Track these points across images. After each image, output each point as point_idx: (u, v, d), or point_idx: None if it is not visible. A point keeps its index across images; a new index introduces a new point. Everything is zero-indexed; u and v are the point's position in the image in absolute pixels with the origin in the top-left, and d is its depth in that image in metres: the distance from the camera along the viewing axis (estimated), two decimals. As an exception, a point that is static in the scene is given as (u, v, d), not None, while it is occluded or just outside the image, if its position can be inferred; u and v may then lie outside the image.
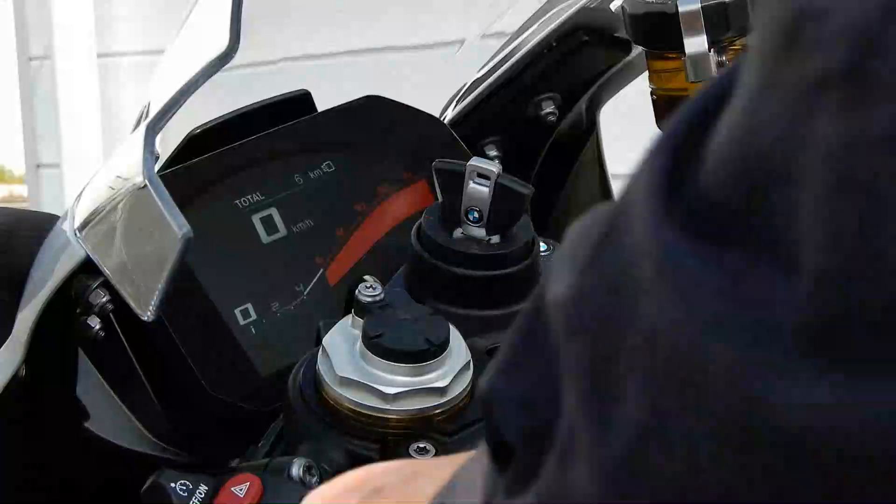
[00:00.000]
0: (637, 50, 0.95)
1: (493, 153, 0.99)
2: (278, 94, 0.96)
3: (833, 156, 0.22)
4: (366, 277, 0.71)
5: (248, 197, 0.87)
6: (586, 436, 0.26)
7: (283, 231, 0.87)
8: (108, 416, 0.83)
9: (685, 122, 0.26)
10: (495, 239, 0.76)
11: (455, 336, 0.69)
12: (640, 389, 0.25)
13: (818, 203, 0.22)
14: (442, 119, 1.00)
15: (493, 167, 0.74)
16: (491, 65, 1.03)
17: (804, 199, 0.22)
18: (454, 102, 1.03)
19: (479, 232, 0.75)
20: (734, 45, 0.81)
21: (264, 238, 0.86)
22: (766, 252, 0.23)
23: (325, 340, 0.70)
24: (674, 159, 0.26)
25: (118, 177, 0.69)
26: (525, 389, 0.30)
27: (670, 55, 0.84)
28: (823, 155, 0.22)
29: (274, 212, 0.87)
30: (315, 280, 0.86)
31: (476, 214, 0.74)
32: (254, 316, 0.83)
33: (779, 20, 0.23)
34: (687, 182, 0.25)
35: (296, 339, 0.82)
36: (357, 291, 0.70)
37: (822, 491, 0.23)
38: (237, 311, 0.83)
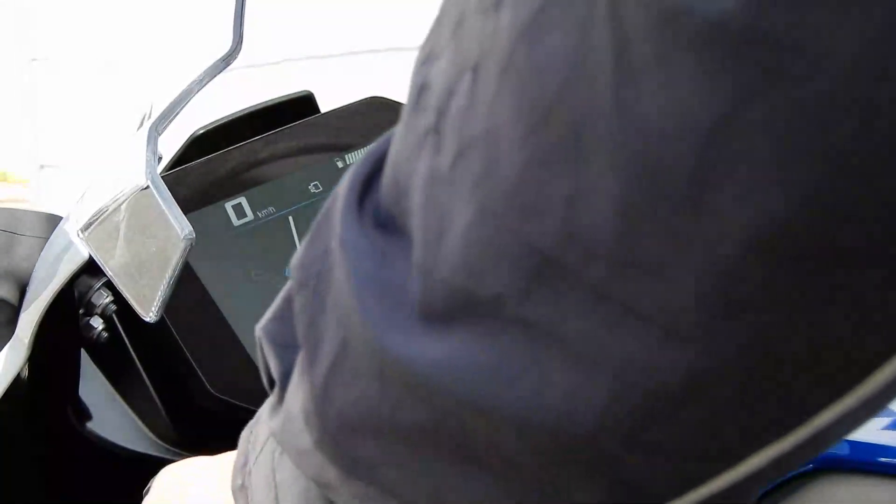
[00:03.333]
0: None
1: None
2: (281, 95, 0.96)
3: (425, 183, 0.31)
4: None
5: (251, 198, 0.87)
6: (304, 367, 0.36)
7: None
8: (110, 416, 0.83)
9: (380, 144, 0.36)
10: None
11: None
12: (331, 332, 0.34)
13: (416, 213, 0.32)
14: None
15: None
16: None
17: (414, 209, 0.32)
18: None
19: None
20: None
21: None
22: (402, 242, 0.32)
23: (328, 341, 0.70)
24: (369, 170, 0.36)
25: (121, 178, 0.69)
26: (284, 334, 0.38)
27: None
28: (422, 182, 0.31)
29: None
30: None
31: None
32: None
33: (413, 86, 0.33)
34: (373, 187, 0.35)
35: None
36: (360, 292, 0.70)
37: (430, 416, 0.32)
38: (241, 312, 0.83)
